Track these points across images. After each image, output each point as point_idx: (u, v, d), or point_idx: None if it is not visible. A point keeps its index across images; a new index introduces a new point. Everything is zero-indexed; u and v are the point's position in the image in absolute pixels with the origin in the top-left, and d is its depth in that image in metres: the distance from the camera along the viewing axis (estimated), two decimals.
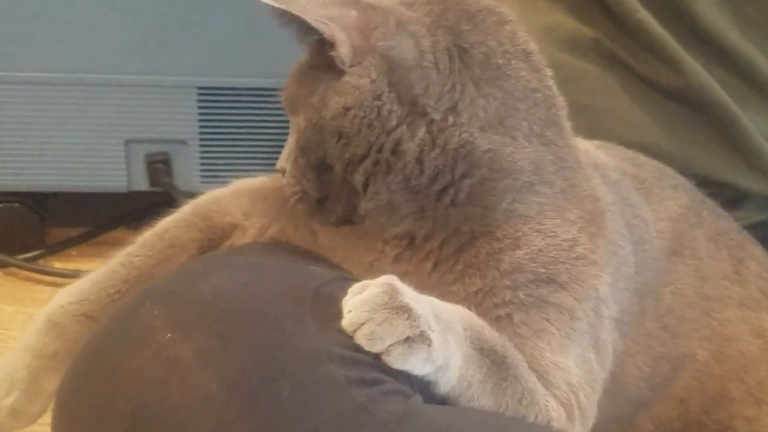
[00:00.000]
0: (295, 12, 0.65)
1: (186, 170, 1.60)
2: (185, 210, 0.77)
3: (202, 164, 1.60)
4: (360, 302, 0.59)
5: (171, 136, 1.58)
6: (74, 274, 1.54)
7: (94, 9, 1.50)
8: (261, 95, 1.57)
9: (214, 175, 1.59)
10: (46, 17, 1.50)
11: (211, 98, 1.57)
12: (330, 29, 0.65)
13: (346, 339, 0.59)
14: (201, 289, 0.63)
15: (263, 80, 1.54)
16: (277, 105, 1.71)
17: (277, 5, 0.64)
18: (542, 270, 0.67)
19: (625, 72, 0.95)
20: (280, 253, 0.71)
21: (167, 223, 0.77)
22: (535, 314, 0.66)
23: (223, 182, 1.65)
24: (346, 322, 0.59)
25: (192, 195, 1.63)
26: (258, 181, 0.78)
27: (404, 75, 0.66)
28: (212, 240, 0.75)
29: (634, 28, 0.93)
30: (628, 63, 0.94)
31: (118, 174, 1.59)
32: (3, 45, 1.50)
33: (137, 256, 0.74)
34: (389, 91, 0.65)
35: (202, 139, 1.59)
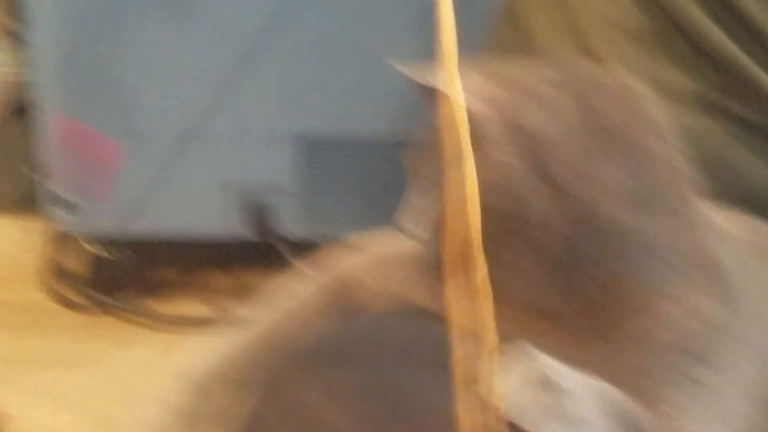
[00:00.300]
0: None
1: (284, 217, 1.63)
2: (320, 274, 0.79)
3: (301, 211, 1.63)
4: (509, 376, 0.61)
5: (269, 183, 1.62)
6: (174, 317, 1.59)
7: (194, 60, 1.54)
8: (359, 145, 1.59)
9: (312, 221, 1.62)
10: (143, 69, 1.54)
11: (310, 146, 1.60)
12: (475, 106, 0.67)
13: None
14: (354, 358, 0.65)
15: (363, 130, 1.57)
16: (376, 155, 1.72)
17: (426, 82, 0.67)
18: (681, 344, 0.67)
19: (736, 123, 0.95)
20: (420, 322, 0.73)
21: (304, 287, 0.78)
22: (674, 389, 0.67)
23: (321, 228, 1.67)
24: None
25: (289, 241, 1.65)
26: (392, 244, 0.79)
27: (546, 152, 0.67)
28: (349, 306, 0.77)
29: (740, 78, 0.93)
30: (739, 113, 0.95)
31: (217, 220, 1.62)
32: (98, 97, 1.55)
33: (278, 322, 0.76)
34: (531, 167, 0.67)
35: (300, 187, 1.62)
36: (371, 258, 0.79)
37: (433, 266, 0.73)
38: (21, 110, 1.74)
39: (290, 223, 1.63)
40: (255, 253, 1.69)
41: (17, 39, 1.66)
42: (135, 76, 1.52)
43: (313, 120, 1.58)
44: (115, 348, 1.55)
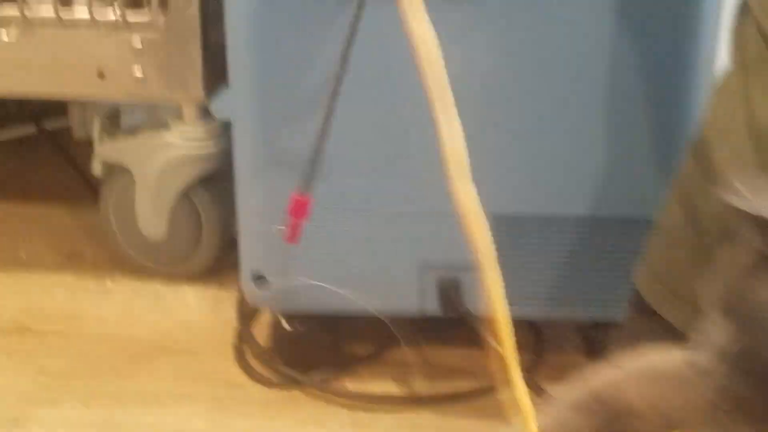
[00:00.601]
0: None
1: (477, 294, 1.59)
2: (579, 391, 0.74)
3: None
4: None
5: (462, 260, 1.58)
6: (365, 395, 1.57)
7: (390, 136, 1.53)
8: (553, 222, 1.54)
9: (506, 299, 1.57)
10: (342, 147, 1.53)
11: (503, 223, 1.56)
12: None
13: None
14: None
15: (556, 207, 1.53)
16: (570, 233, 1.66)
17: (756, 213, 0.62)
18: None
19: None
20: None
21: (560, 405, 0.74)
22: None
23: (514, 307, 1.62)
24: None
25: (482, 319, 1.61)
26: (664, 362, 0.74)
27: None
28: (608, 427, 0.72)
29: None
30: None
31: (409, 296, 1.59)
32: (296, 171, 1.54)
33: None
34: None
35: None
36: (634, 371, 0.74)
37: (722, 396, 0.67)
38: (213, 181, 1.76)
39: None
40: (447, 330, 1.66)
41: (209, 110, 1.69)
42: (333, 152, 1.51)
43: (507, 196, 1.54)
44: (307, 425, 1.53)
